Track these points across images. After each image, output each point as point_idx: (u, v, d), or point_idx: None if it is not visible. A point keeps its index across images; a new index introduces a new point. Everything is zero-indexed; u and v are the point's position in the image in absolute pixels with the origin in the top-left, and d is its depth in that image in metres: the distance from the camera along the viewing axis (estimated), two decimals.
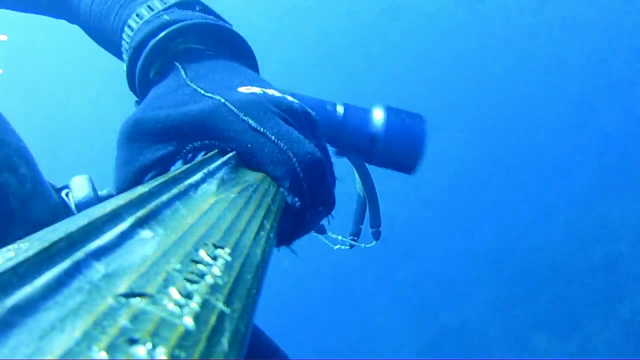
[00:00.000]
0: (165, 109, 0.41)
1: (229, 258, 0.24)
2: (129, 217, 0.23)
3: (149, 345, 0.16)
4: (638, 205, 6.75)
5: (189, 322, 0.18)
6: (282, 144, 0.38)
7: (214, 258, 0.23)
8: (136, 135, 0.41)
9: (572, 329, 5.57)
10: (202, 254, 0.23)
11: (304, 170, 0.38)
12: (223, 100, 0.40)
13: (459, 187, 9.80)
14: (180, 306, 0.19)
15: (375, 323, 7.43)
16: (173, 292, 0.19)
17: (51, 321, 0.16)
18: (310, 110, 0.45)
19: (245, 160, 0.38)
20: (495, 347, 5.92)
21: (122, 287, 0.18)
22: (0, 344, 0.14)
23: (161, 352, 0.16)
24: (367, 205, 0.86)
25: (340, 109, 0.64)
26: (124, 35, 0.54)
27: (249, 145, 0.38)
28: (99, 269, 0.19)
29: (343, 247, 0.90)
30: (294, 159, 0.38)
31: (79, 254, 0.19)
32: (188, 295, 0.19)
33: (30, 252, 0.17)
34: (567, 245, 6.75)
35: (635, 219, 6.50)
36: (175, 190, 0.28)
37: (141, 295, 0.18)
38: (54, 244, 0.18)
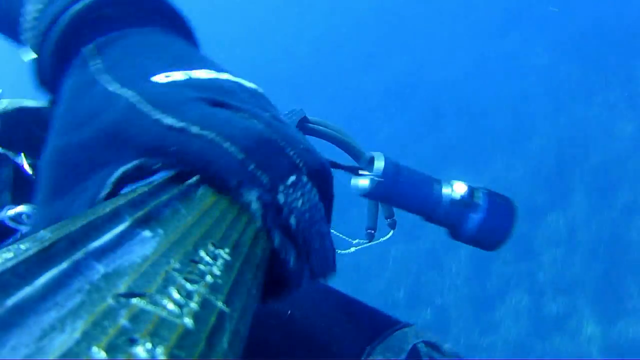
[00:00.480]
0: (82, 128, 0.32)
1: (229, 258, 0.24)
2: (128, 217, 0.23)
3: (149, 345, 0.16)
4: (541, 39, 7.20)
5: (188, 322, 0.18)
6: (207, 133, 0.29)
7: (214, 258, 0.23)
8: (64, 169, 0.32)
9: (483, 162, 5.86)
10: (202, 253, 0.23)
11: (246, 156, 0.29)
12: (132, 100, 0.32)
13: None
14: (180, 306, 0.19)
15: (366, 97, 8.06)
16: (173, 292, 0.19)
17: (51, 321, 0.16)
18: (250, 85, 0.37)
19: (189, 174, 0.29)
20: None
21: (122, 287, 0.18)
22: (0, 344, 0.15)
23: (161, 352, 0.16)
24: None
25: (447, 190, 0.66)
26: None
27: (174, 149, 0.29)
28: (98, 269, 0.19)
29: (362, 244, 0.91)
30: (231, 148, 0.29)
31: (78, 254, 0.19)
32: (188, 295, 0.19)
33: (30, 252, 0.17)
34: (474, 83, 7.29)
35: (539, 58, 6.96)
36: (175, 190, 0.28)
37: (141, 295, 0.18)
38: (53, 244, 0.18)
